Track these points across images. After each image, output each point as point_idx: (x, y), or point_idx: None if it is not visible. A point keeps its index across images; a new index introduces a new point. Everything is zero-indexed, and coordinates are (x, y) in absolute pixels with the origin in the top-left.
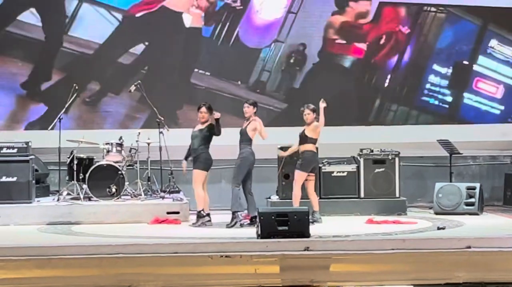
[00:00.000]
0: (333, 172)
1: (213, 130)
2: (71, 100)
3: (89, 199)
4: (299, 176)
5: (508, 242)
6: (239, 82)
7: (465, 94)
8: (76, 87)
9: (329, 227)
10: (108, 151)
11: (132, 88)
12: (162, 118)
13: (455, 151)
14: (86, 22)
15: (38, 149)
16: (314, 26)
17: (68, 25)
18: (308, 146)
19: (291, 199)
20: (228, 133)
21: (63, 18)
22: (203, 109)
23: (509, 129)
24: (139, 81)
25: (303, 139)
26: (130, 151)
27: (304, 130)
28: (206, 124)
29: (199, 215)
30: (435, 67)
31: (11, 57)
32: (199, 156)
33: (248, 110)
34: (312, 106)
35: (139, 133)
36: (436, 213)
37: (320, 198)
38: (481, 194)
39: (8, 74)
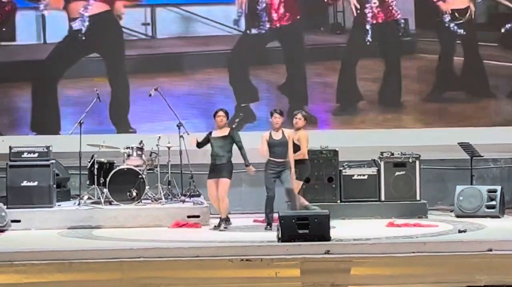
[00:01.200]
0: (353, 175)
1: (237, 136)
2: (92, 104)
3: (110, 203)
4: (298, 185)
5: None
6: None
7: None
8: (97, 92)
9: (349, 230)
10: (128, 155)
11: (152, 92)
12: (183, 122)
13: (476, 153)
14: None
15: (59, 154)
16: None
17: None
18: (302, 155)
19: (311, 202)
20: (252, 136)
21: None
22: (221, 113)
23: None
24: (159, 85)
25: (295, 146)
26: (150, 155)
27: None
28: (227, 130)
29: (223, 221)
30: None
31: None
32: (226, 165)
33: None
34: (304, 113)
35: (160, 137)
36: (457, 216)
37: (341, 201)
38: (502, 197)
39: None
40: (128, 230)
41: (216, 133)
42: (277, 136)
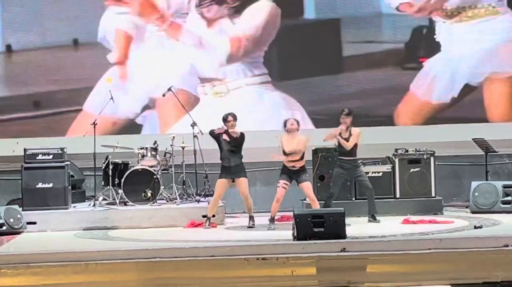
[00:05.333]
0: (368, 172)
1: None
2: (105, 105)
3: (125, 203)
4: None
5: None
6: None
7: None
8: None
9: (365, 227)
10: (143, 156)
11: (166, 92)
12: (196, 122)
13: (491, 149)
14: None
15: (73, 155)
16: None
17: None
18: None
19: (326, 200)
20: (265, 135)
21: None
22: (230, 118)
23: None
24: (173, 85)
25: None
26: (164, 155)
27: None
28: (239, 132)
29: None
30: None
31: None
32: (241, 165)
33: (348, 120)
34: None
35: (174, 137)
36: (473, 212)
37: (356, 198)
38: None
39: None
40: (143, 231)
41: (228, 136)
42: (345, 134)
